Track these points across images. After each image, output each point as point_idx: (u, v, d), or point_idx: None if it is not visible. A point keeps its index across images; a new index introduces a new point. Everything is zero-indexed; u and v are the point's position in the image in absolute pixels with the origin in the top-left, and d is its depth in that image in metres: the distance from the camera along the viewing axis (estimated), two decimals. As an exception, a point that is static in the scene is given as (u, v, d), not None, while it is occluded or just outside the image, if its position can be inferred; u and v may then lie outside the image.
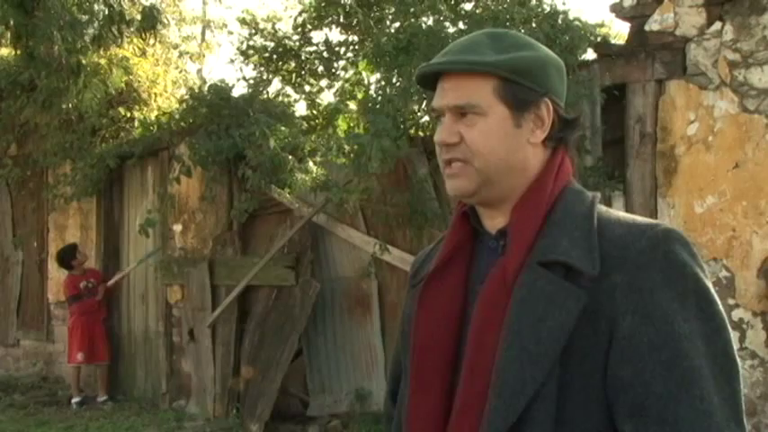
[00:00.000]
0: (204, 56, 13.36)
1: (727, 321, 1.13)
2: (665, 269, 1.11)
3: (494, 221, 1.27)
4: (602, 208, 1.23)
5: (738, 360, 1.13)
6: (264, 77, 9.14)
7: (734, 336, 4.51)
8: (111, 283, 7.89)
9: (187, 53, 12.31)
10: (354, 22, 8.31)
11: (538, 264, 1.15)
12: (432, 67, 1.26)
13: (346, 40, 8.89)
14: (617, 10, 5.18)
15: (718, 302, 1.13)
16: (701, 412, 1.06)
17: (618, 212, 1.24)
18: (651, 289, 1.10)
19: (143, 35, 6.75)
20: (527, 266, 1.16)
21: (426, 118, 6.01)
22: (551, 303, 1.12)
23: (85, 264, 7.92)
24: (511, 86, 1.21)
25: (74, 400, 7.67)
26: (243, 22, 9.87)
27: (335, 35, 9.47)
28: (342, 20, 8.50)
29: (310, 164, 6.67)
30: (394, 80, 5.53)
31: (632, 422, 1.08)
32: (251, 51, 9.34)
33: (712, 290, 1.13)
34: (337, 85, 9.25)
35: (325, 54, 9.02)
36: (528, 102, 1.22)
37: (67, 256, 7.81)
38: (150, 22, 6.52)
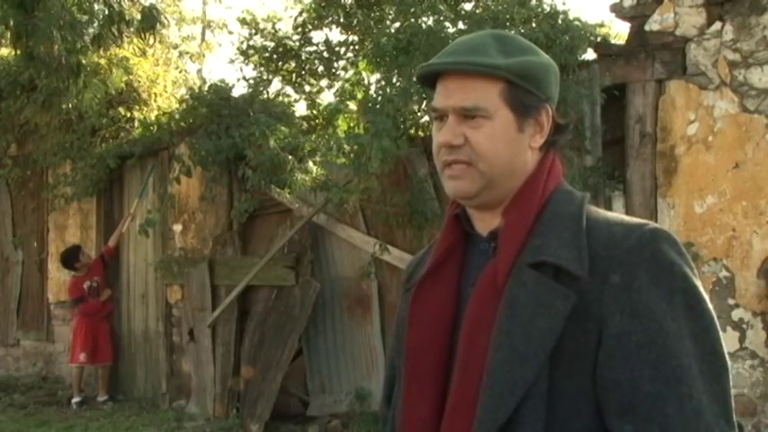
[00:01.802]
0: (204, 56, 13.38)
1: (716, 320, 1.14)
2: (652, 268, 1.12)
3: (486, 224, 1.27)
4: (591, 208, 1.24)
5: (728, 359, 1.13)
6: (264, 77, 9.15)
7: (734, 336, 4.49)
8: (112, 242, 7.86)
9: (187, 53, 12.32)
10: (354, 22, 8.32)
11: (527, 265, 1.16)
12: (440, 66, 1.23)
13: (346, 40, 8.90)
14: (617, 10, 5.18)
15: (707, 301, 1.14)
16: (689, 411, 1.06)
17: (607, 213, 1.25)
18: (639, 288, 1.11)
19: (143, 35, 6.75)
20: (517, 268, 1.17)
21: (426, 118, 6.01)
22: (541, 304, 1.12)
23: (85, 263, 7.91)
24: (517, 91, 1.21)
25: (74, 400, 7.67)
26: (243, 22, 9.89)
27: (335, 35, 9.50)
28: (342, 20, 8.51)
29: (310, 164, 6.67)
30: (394, 80, 5.54)
31: (621, 421, 1.09)
32: (251, 51, 9.35)
33: (701, 289, 1.14)
34: (337, 85, 9.26)
35: (325, 54, 9.03)
36: (531, 107, 1.23)
37: (71, 258, 7.81)
38: (150, 22, 6.51)
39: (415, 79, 1.32)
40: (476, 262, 1.27)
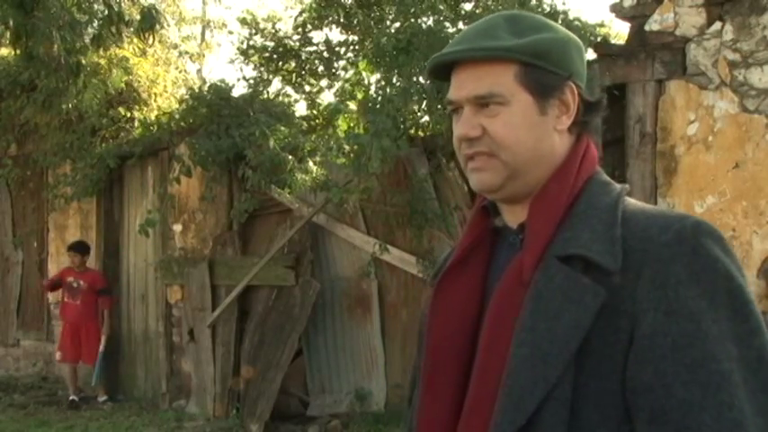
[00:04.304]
0: (204, 56, 13.40)
1: (764, 324, 1.03)
2: (692, 264, 1.02)
3: (515, 216, 1.19)
4: (629, 200, 1.16)
5: None
6: (264, 77, 9.16)
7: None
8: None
9: (187, 53, 12.33)
10: (354, 22, 8.33)
11: (556, 258, 1.08)
12: (447, 56, 1.16)
13: (346, 40, 8.91)
14: (617, 10, 5.17)
15: (754, 302, 1.04)
16: (728, 421, 0.96)
17: (645, 205, 1.16)
18: (676, 285, 1.01)
19: (142, 35, 6.76)
20: (545, 261, 1.08)
21: (426, 118, 6.01)
22: (567, 300, 1.04)
23: (86, 264, 7.91)
24: (533, 71, 1.12)
25: (70, 399, 7.65)
26: (243, 21, 9.90)
27: (335, 35, 9.50)
28: (342, 20, 8.52)
29: (310, 164, 6.67)
30: (394, 80, 5.54)
31: (652, 428, 0.99)
32: (251, 51, 9.36)
33: (747, 289, 1.04)
34: (337, 85, 9.28)
35: (325, 54, 9.04)
36: (552, 87, 1.14)
37: (84, 248, 7.89)
38: (149, 22, 6.51)
39: (426, 74, 1.24)
40: (504, 255, 1.18)
